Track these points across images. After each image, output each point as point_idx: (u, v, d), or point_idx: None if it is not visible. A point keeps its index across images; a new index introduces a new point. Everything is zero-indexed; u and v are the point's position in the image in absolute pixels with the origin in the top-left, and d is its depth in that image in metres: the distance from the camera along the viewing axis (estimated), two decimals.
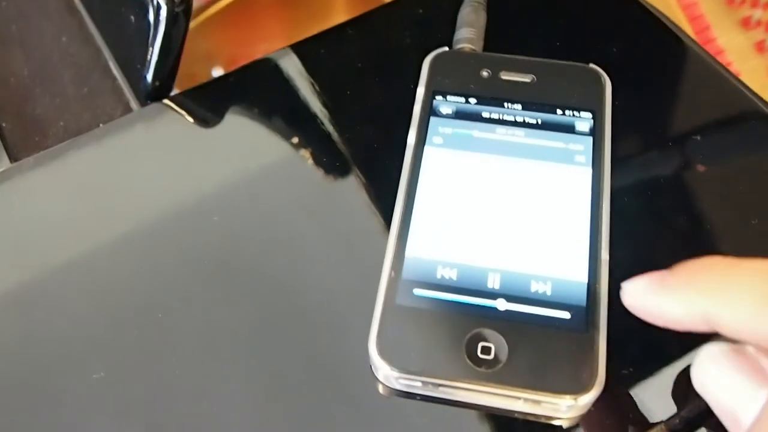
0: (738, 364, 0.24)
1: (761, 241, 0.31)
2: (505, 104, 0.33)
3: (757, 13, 0.60)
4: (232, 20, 0.55)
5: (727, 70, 0.37)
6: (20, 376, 0.29)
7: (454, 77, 0.34)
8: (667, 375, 0.28)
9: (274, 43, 0.58)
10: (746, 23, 0.61)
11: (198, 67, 0.57)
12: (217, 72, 0.57)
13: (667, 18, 0.39)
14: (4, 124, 0.39)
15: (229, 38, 0.57)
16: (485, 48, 0.37)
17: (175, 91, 0.38)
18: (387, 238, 0.30)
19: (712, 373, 0.25)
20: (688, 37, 0.38)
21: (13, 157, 0.38)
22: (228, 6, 0.55)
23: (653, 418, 0.27)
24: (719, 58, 0.59)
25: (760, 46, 0.60)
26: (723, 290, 0.23)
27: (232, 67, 0.57)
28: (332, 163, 0.34)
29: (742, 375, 0.24)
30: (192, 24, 0.36)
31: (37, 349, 0.29)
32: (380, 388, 0.28)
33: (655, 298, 0.25)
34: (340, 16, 0.58)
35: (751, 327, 0.23)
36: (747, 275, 0.23)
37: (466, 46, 0.36)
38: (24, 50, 0.43)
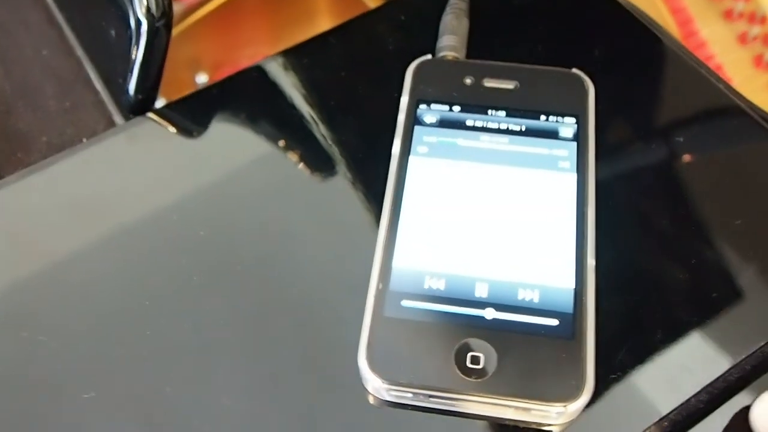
0: None
1: (744, 241, 0.32)
2: (489, 111, 0.33)
3: (740, 5, 0.60)
4: (215, 26, 0.55)
5: (710, 70, 0.37)
6: (9, 396, 0.29)
7: (437, 85, 0.34)
8: (655, 379, 0.28)
9: (258, 47, 0.58)
10: (728, 15, 0.61)
11: (182, 73, 0.57)
12: (201, 78, 0.57)
13: (649, 18, 0.39)
14: None
15: (212, 44, 0.57)
16: (468, 54, 0.37)
17: (159, 99, 0.38)
18: (374, 249, 0.30)
19: None
20: (670, 37, 0.38)
21: None
22: (211, 12, 0.55)
23: (642, 421, 0.28)
24: (702, 51, 0.59)
25: (742, 38, 0.60)
26: None
27: (217, 73, 0.57)
28: (318, 172, 0.34)
29: None
30: (175, 30, 0.36)
31: (25, 368, 0.29)
32: (371, 400, 0.28)
33: None
34: (323, 19, 0.58)
35: None
36: None
37: (449, 53, 0.36)
38: (5, 65, 0.43)
